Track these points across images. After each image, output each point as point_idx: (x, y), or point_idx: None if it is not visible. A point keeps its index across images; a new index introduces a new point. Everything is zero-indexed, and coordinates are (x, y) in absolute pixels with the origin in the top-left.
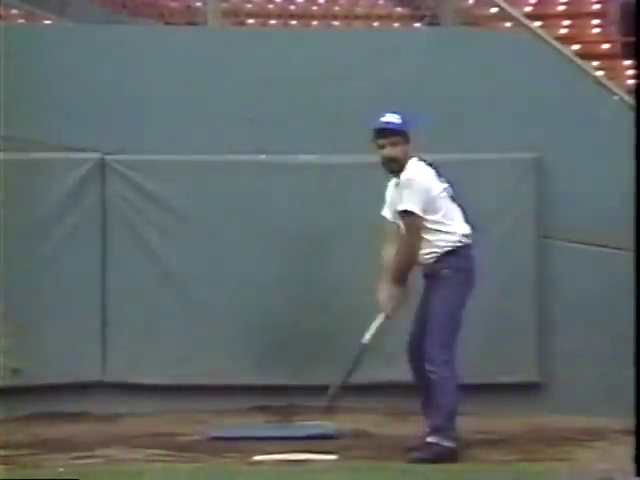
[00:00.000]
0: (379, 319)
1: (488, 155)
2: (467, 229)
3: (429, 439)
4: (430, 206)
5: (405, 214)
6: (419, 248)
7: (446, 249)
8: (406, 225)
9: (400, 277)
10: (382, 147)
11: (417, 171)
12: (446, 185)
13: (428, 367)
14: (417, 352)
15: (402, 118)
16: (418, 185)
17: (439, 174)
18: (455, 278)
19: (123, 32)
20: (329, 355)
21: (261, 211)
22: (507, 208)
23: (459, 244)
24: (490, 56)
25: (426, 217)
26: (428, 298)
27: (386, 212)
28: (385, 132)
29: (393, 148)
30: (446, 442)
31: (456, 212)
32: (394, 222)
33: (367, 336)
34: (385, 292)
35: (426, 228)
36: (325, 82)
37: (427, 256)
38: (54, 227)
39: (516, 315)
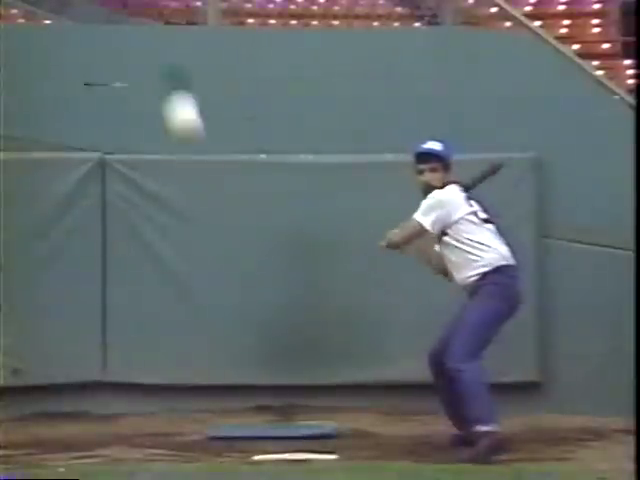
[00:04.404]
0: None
1: (488, 155)
2: (507, 250)
3: (474, 429)
4: (454, 226)
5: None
6: (400, 245)
7: (487, 268)
8: (407, 225)
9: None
10: (421, 172)
11: (443, 191)
12: (478, 209)
13: (452, 367)
14: (440, 357)
15: (444, 146)
16: (437, 202)
17: (473, 198)
18: (495, 292)
19: (123, 32)
20: (329, 355)
21: (261, 211)
22: (507, 208)
23: (503, 262)
24: (490, 56)
25: (463, 237)
26: (465, 307)
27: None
28: (425, 157)
29: (432, 174)
30: (491, 427)
31: (491, 234)
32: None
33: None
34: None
35: (465, 249)
36: (325, 82)
37: (471, 277)
38: (54, 227)
39: (516, 315)
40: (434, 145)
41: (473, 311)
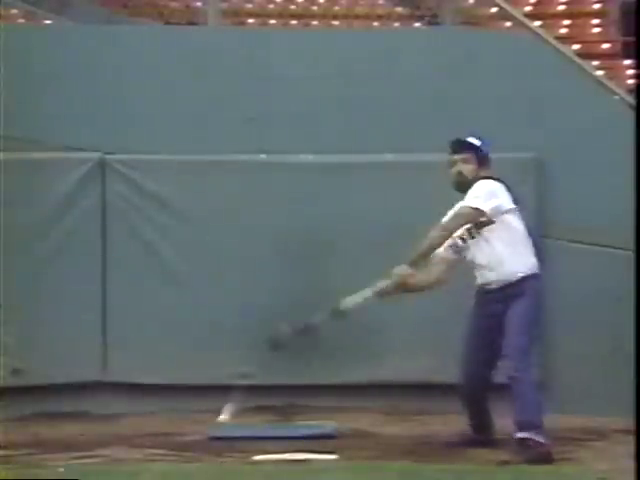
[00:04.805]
0: (367, 292)
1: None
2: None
3: (521, 434)
4: (505, 217)
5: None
6: (446, 238)
7: (530, 271)
8: (457, 212)
9: (417, 258)
10: (453, 163)
11: (490, 182)
12: (516, 207)
13: (510, 372)
14: (479, 383)
15: (481, 140)
16: (491, 190)
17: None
18: (535, 294)
19: (123, 32)
20: (329, 355)
21: (261, 211)
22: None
23: (537, 270)
24: (490, 56)
25: (511, 228)
26: (504, 315)
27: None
28: (459, 148)
29: (464, 165)
30: (540, 438)
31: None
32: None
33: (348, 303)
34: (398, 269)
35: (510, 243)
36: (325, 82)
37: (518, 273)
38: (54, 227)
39: None
40: (470, 139)
41: (521, 313)
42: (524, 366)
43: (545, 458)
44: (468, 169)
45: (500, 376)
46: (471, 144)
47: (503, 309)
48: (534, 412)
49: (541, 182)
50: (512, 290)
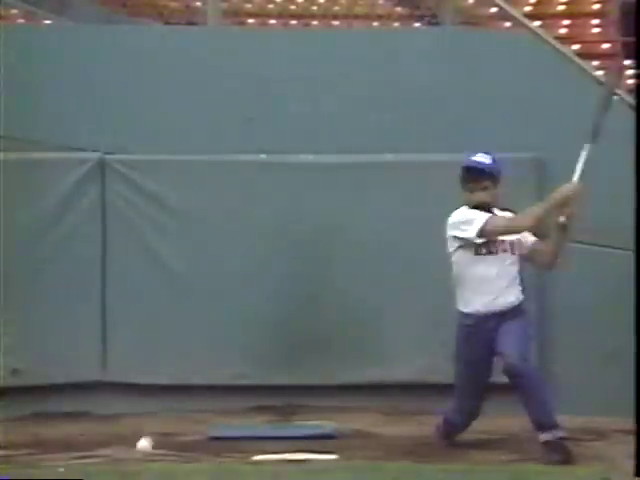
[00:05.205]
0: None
1: None
2: None
3: (549, 436)
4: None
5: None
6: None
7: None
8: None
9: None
10: (471, 190)
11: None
12: None
13: (521, 364)
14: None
15: (493, 159)
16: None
17: None
18: (528, 320)
19: (123, 32)
20: (329, 355)
21: (261, 211)
22: (507, 208)
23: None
24: (490, 56)
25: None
26: (502, 329)
27: None
28: (476, 176)
29: (484, 193)
30: (560, 433)
31: None
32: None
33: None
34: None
35: (516, 268)
36: (325, 82)
37: (519, 298)
38: (54, 227)
39: None
40: (485, 159)
41: (520, 325)
42: (530, 370)
43: (569, 457)
44: (488, 195)
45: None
46: (491, 171)
47: (494, 326)
48: (550, 408)
49: (541, 182)
50: (510, 312)
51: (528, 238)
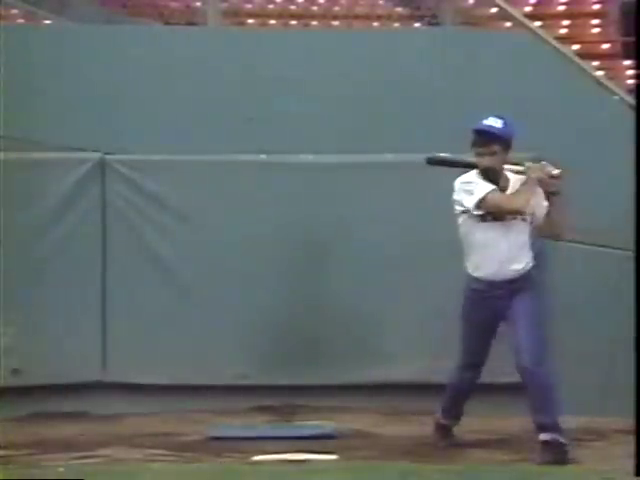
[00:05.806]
0: None
1: None
2: None
3: (548, 437)
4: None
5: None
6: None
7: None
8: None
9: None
10: (480, 155)
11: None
12: None
13: (534, 368)
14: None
15: (505, 123)
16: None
17: None
18: (537, 280)
19: (123, 32)
20: (329, 355)
21: (261, 211)
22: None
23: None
24: (490, 56)
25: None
26: (511, 303)
27: None
28: (484, 140)
29: (492, 158)
30: (562, 438)
31: None
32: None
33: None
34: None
35: (527, 234)
36: (325, 82)
37: (529, 264)
38: (54, 227)
39: None
40: (495, 122)
41: (530, 303)
42: (546, 365)
43: (563, 459)
44: (497, 160)
45: (505, 376)
46: (499, 136)
47: (505, 294)
48: (555, 411)
49: None
50: (521, 280)
51: (541, 205)
